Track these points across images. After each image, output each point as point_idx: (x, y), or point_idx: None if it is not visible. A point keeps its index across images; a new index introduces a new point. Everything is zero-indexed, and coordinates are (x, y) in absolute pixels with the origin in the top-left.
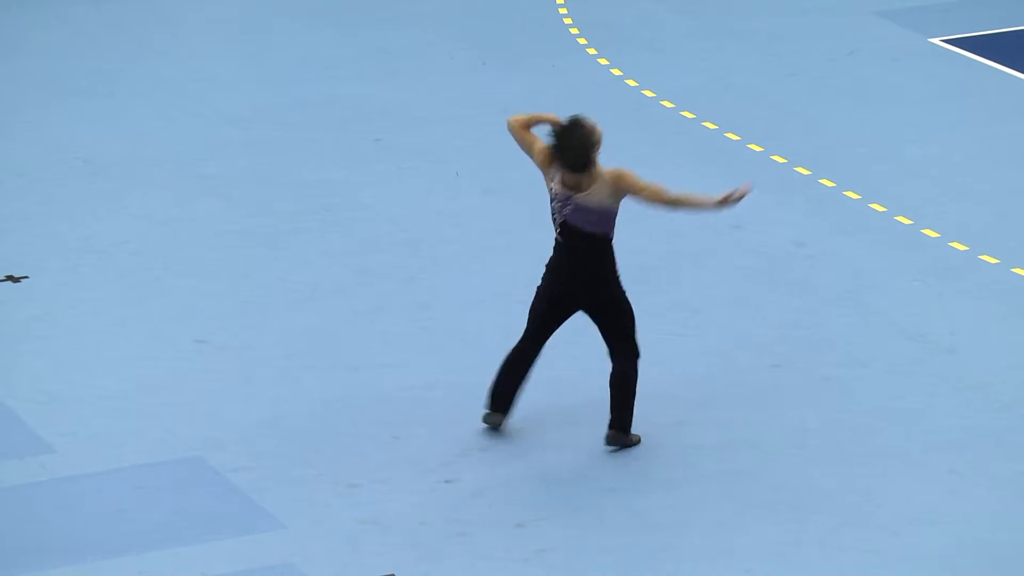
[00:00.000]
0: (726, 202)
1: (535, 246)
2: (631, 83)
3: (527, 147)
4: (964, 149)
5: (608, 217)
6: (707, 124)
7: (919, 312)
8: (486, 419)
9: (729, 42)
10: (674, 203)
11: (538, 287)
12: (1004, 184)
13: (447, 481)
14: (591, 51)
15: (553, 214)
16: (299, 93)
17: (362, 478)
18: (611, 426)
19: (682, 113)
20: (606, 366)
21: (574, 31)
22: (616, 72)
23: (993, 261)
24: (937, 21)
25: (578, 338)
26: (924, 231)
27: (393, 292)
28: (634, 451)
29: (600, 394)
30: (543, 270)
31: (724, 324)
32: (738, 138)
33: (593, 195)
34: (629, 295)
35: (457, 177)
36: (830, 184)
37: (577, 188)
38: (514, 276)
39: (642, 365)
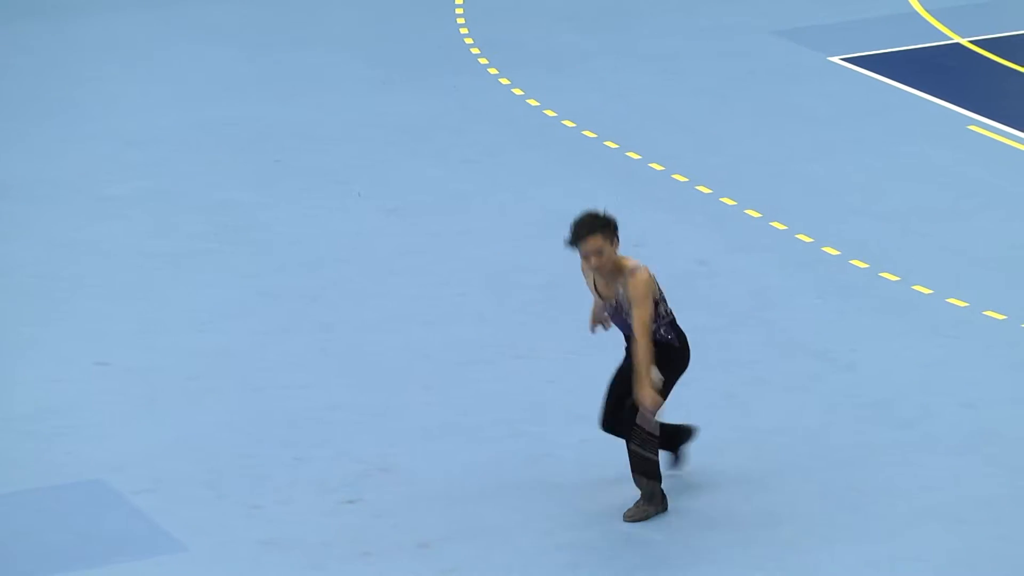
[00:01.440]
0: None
1: (436, 266)
2: (533, 103)
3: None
4: (864, 167)
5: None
6: (609, 143)
7: (820, 329)
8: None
9: (631, 62)
10: (638, 343)
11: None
12: (903, 202)
13: (350, 502)
14: (492, 71)
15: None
16: (201, 114)
17: (265, 499)
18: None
19: (584, 132)
20: (512, 386)
21: (475, 51)
22: (518, 92)
23: (893, 279)
24: (836, 40)
25: (485, 358)
26: (825, 249)
27: (295, 313)
28: (536, 469)
29: (504, 413)
30: (457, 295)
31: None
32: (639, 157)
33: (619, 291)
34: (532, 312)
35: (360, 197)
36: (731, 203)
37: (608, 293)
38: (416, 297)
39: (542, 383)
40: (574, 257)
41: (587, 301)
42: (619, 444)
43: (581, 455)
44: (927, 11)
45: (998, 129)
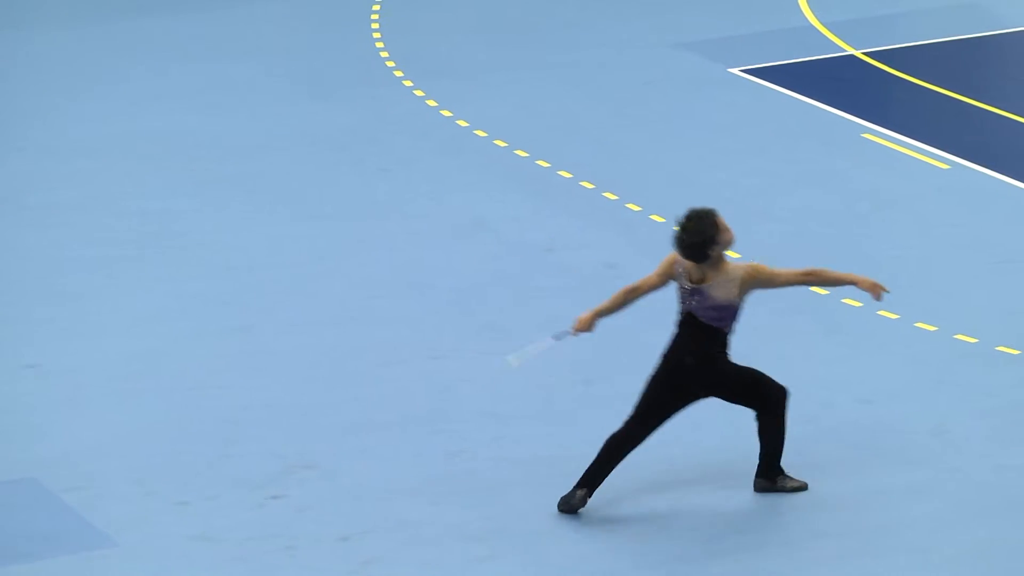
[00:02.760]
0: (866, 287)
1: (354, 270)
2: (446, 113)
3: (651, 286)
4: (763, 173)
5: (730, 311)
6: (519, 152)
7: None
8: (567, 500)
9: (540, 73)
10: (810, 279)
11: (652, 374)
12: (801, 206)
13: (274, 497)
14: (407, 83)
15: (681, 302)
16: (123, 125)
17: (192, 495)
18: (757, 474)
19: (495, 142)
20: (428, 385)
21: (391, 64)
22: (431, 103)
23: None
24: (736, 52)
25: (401, 358)
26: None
27: (219, 316)
28: (451, 464)
29: (420, 411)
30: (373, 298)
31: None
32: (548, 165)
33: (717, 288)
34: (447, 314)
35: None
36: (637, 208)
37: (701, 281)
38: (332, 300)
39: (457, 382)
40: (485, 262)
41: (497, 301)
42: (534, 440)
43: (496, 452)
44: (823, 24)
45: (890, 136)
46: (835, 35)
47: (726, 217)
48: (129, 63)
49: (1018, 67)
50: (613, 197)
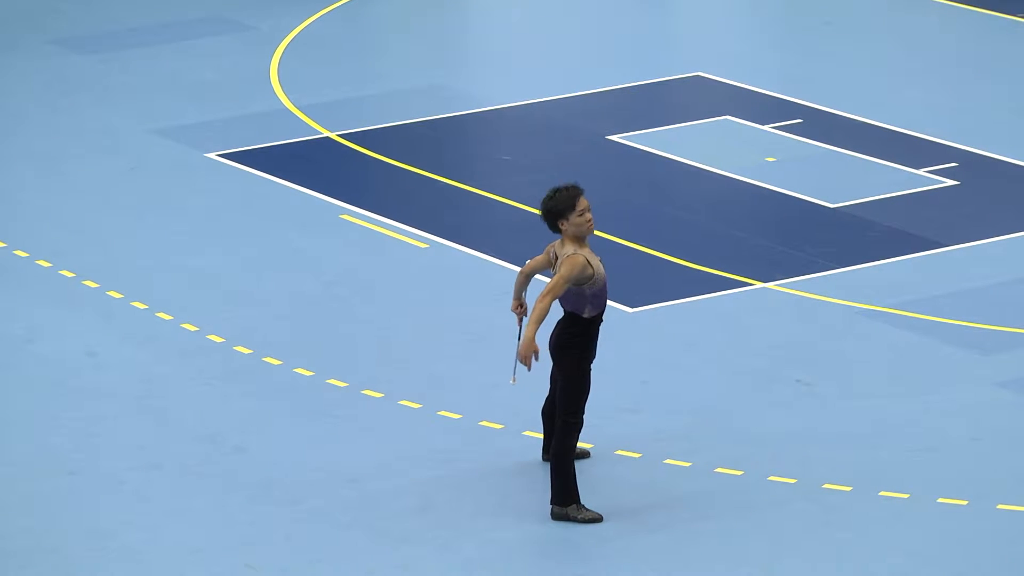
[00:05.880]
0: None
1: None
2: None
3: (538, 264)
4: (244, 257)
5: (569, 293)
6: None
7: (208, 414)
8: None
9: (15, 162)
10: (540, 305)
11: None
12: (282, 289)
13: None
14: None
15: None
16: None
17: None
18: (551, 501)
19: None
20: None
21: None
22: None
23: (276, 363)
24: (212, 137)
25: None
26: (210, 336)
27: None
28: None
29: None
30: None
31: (21, 434)
32: (27, 255)
33: (558, 266)
34: None
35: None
36: (118, 296)
37: (556, 257)
38: None
39: None
40: None
41: None
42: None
43: None
44: (297, 107)
45: (368, 217)
46: (309, 118)
47: (210, 300)
48: None
49: (485, 145)
50: (94, 285)
